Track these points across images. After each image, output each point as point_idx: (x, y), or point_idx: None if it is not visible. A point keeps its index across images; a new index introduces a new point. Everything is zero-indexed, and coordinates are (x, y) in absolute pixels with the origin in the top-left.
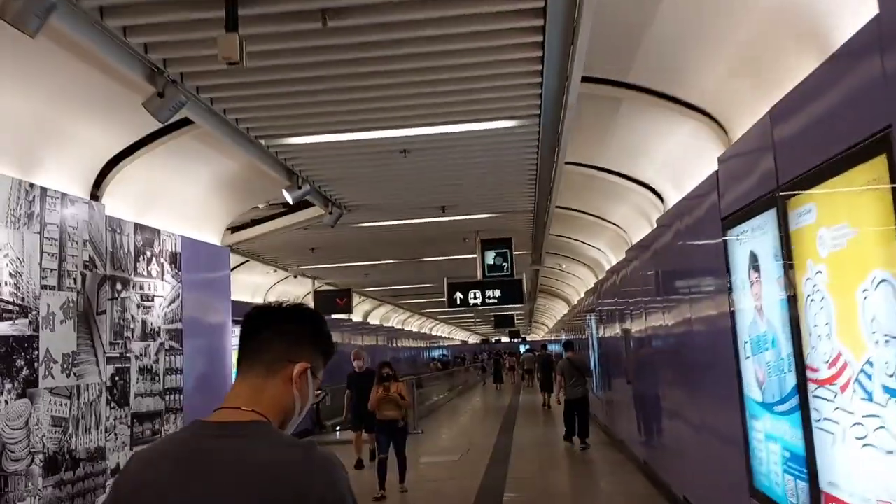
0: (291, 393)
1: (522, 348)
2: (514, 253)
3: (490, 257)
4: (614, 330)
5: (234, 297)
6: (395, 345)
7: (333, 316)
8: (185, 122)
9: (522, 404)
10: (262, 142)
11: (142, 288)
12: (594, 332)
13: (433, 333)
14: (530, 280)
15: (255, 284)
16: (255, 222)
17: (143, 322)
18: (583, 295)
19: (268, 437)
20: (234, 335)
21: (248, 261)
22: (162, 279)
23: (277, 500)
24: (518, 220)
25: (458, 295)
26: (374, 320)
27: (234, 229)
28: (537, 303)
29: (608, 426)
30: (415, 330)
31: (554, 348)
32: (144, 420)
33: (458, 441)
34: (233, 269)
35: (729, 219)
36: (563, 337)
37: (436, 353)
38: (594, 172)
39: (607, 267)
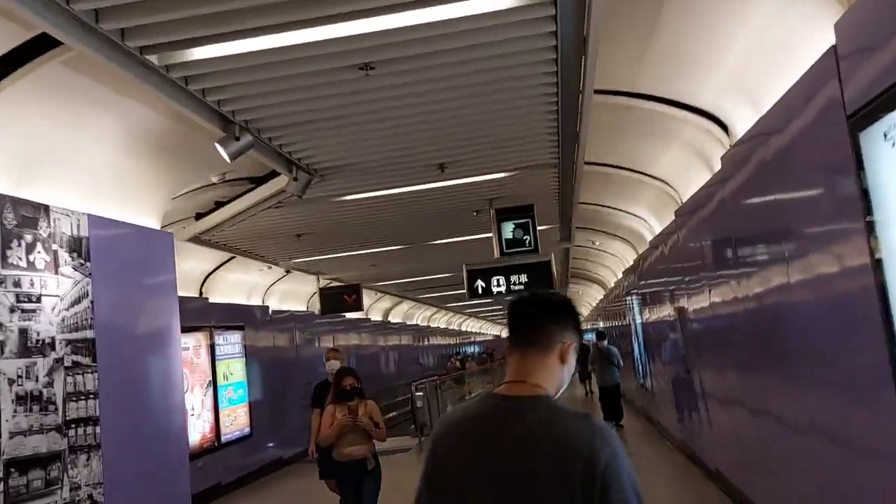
0: (563, 368)
1: None
2: (539, 227)
3: (508, 230)
4: (664, 311)
5: (229, 300)
6: (419, 343)
7: (348, 315)
8: (52, 42)
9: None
10: (152, 58)
11: (17, 285)
12: (636, 316)
13: (463, 329)
14: (560, 261)
15: (252, 284)
16: (220, 205)
17: (22, 332)
18: (620, 276)
19: (556, 409)
20: (190, 344)
21: (233, 257)
22: (55, 272)
23: (573, 464)
24: (540, 179)
25: (480, 283)
26: (395, 318)
27: (199, 216)
28: (570, 288)
29: (660, 422)
30: (442, 326)
31: (589, 337)
32: (30, 468)
33: None
34: (220, 266)
35: (863, 114)
36: (601, 325)
37: (468, 349)
38: (630, 102)
39: (650, 238)
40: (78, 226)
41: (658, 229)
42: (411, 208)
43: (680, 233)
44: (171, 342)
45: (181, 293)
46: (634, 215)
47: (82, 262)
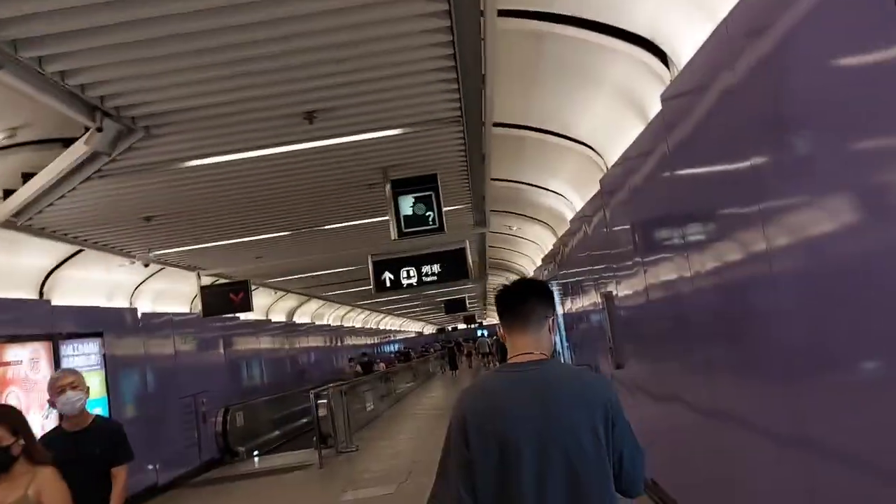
0: (551, 337)
1: (481, 333)
2: (448, 208)
3: (406, 205)
4: (587, 301)
5: (79, 301)
6: (327, 344)
7: (242, 316)
8: None
9: None
10: None
11: None
12: (557, 307)
13: (383, 328)
14: (476, 249)
15: (114, 283)
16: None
17: None
18: (539, 263)
19: (567, 367)
20: None
21: (81, 250)
22: None
23: (596, 408)
24: (442, 142)
25: (388, 275)
26: (303, 319)
27: (6, 193)
28: (488, 280)
29: None
30: (358, 326)
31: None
32: None
33: (398, 461)
34: (65, 262)
35: None
36: None
37: (388, 347)
38: (543, 27)
39: (570, 217)
40: None
41: (580, 205)
42: (285, 181)
43: (606, 207)
44: None
45: (11, 294)
46: (554, 192)
47: None
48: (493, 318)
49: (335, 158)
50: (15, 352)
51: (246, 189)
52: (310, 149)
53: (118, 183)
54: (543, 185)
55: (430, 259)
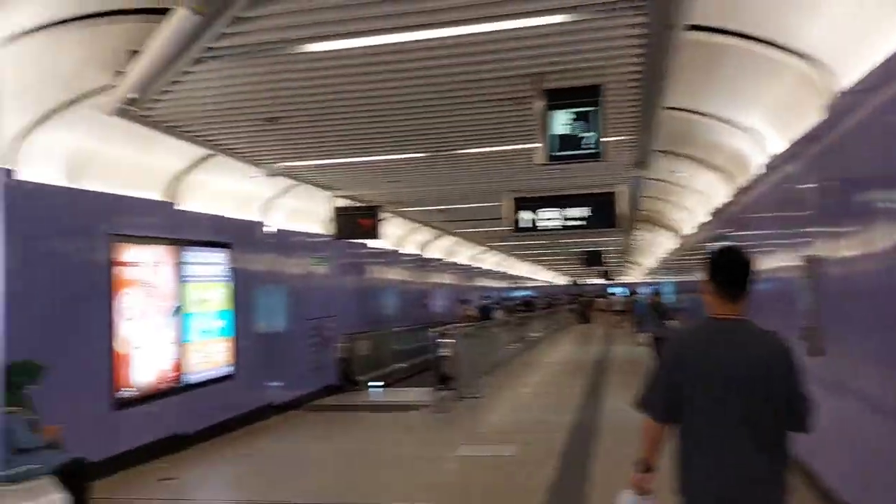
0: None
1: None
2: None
3: (560, 122)
4: (778, 264)
5: (209, 210)
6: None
7: (373, 245)
8: None
9: (615, 357)
10: None
11: None
12: None
13: (513, 273)
14: (629, 196)
15: (246, 195)
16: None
17: None
18: (705, 219)
19: (759, 328)
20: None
21: (212, 155)
22: None
23: (782, 359)
24: (611, 45)
25: (527, 215)
26: (434, 255)
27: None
28: (634, 235)
29: None
30: (491, 269)
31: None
32: None
33: (521, 417)
34: (195, 166)
35: None
36: (667, 279)
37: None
38: None
39: (763, 161)
40: None
41: (779, 147)
42: (419, 86)
43: (833, 144)
44: None
45: (136, 194)
46: (743, 128)
47: None
48: (629, 277)
49: (476, 58)
50: (135, 253)
51: (375, 93)
52: (450, 39)
53: (234, 68)
54: (730, 119)
55: (575, 201)
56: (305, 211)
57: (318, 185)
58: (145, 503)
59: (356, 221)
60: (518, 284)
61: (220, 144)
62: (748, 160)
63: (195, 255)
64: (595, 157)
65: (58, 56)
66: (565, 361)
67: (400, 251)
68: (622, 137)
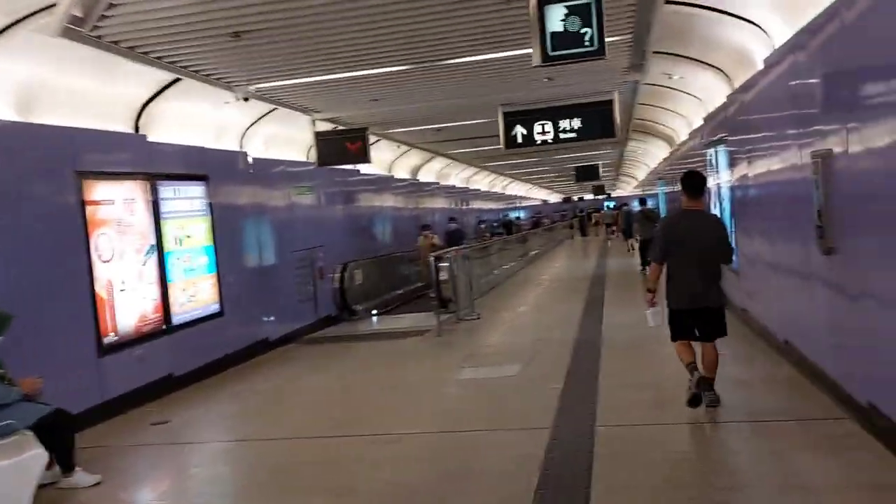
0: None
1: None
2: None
3: (556, 18)
4: (781, 163)
5: (182, 141)
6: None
7: (363, 170)
8: None
9: (611, 269)
10: None
11: None
12: (723, 174)
13: (507, 193)
14: (624, 104)
15: (221, 122)
16: None
17: None
18: (699, 124)
19: (710, 213)
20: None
21: (178, 80)
22: None
23: (718, 227)
24: None
25: (520, 130)
26: (428, 178)
27: None
28: (628, 146)
29: (749, 311)
30: (484, 189)
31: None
32: None
33: (521, 336)
34: (162, 92)
35: None
36: (659, 190)
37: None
38: None
39: (766, 55)
40: None
41: (784, 38)
42: None
43: (849, 22)
44: None
45: (104, 126)
46: (746, 20)
47: None
48: (622, 191)
49: None
50: (107, 190)
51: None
52: None
53: None
54: (732, 11)
55: (568, 112)
56: (288, 138)
57: (297, 109)
58: (138, 449)
59: (343, 145)
60: (513, 205)
61: (185, 66)
62: (750, 56)
63: (171, 190)
64: (597, 54)
65: None
66: (563, 278)
67: (392, 176)
68: (616, 38)
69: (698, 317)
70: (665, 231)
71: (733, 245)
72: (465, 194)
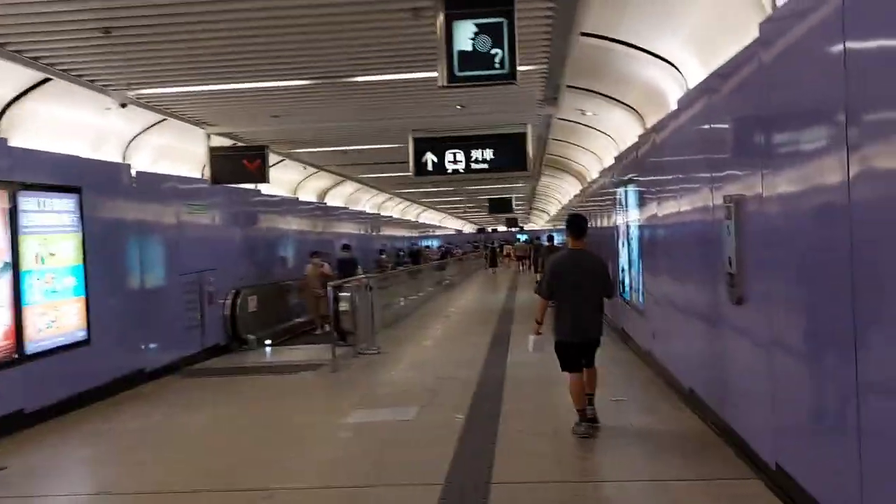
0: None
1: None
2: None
3: (464, 36)
4: (687, 206)
5: (54, 148)
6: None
7: (265, 190)
8: None
9: (520, 302)
10: None
11: None
12: (631, 214)
13: (421, 221)
14: (537, 137)
15: (100, 132)
16: None
17: None
18: (610, 163)
19: (592, 253)
20: None
21: (46, 80)
22: None
23: (602, 267)
24: None
25: (430, 157)
26: (336, 202)
27: None
28: (541, 181)
29: (650, 351)
30: (396, 216)
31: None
32: None
33: (422, 373)
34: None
35: None
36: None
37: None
38: None
39: (679, 96)
40: None
41: (698, 79)
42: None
43: (771, 61)
44: None
45: None
46: (662, 59)
47: None
48: (534, 224)
49: None
50: None
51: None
52: None
53: None
54: (649, 49)
55: (481, 142)
56: (184, 152)
57: (187, 121)
58: None
59: (240, 163)
60: (427, 233)
61: (50, 63)
62: (663, 96)
63: (35, 202)
64: (507, 77)
65: None
66: (470, 311)
67: (297, 198)
68: (530, 68)
69: (582, 348)
70: (553, 269)
71: (641, 285)
72: (376, 220)
